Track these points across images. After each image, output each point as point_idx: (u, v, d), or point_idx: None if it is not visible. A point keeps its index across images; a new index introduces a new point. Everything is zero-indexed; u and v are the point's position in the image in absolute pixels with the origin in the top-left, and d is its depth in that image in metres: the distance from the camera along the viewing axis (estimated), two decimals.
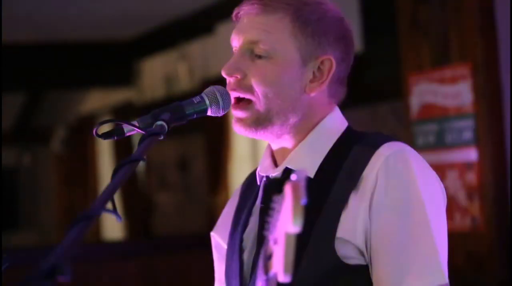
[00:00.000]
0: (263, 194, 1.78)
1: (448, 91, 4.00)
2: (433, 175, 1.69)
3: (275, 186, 1.73)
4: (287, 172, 1.72)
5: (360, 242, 1.61)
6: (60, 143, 10.88)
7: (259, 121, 1.70)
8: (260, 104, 1.70)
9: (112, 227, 9.60)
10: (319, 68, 1.71)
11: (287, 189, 1.19)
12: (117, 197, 1.36)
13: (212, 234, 1.92)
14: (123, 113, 8.91)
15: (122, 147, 8.81)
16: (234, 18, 1.76)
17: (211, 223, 7.67)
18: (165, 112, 1.63)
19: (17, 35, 7.91)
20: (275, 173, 1.74)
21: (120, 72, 9.04)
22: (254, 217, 1.79)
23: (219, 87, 1.72)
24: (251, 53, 1.70)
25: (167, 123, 1.60)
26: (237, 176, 7.46)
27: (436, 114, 4.06)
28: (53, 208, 11.05)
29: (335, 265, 1.60)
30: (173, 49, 8.16)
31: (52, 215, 11.11)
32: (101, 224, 9.66)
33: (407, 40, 4.21)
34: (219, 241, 1.90)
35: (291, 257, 1.20)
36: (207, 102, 1.69)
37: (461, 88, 3.93)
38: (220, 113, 1.71)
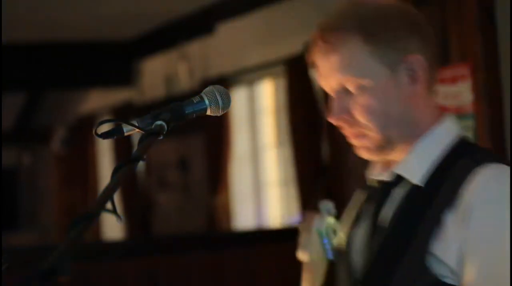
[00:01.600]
0: (373, 196, 1.79)
1: (448, 91, 4.00)
2: None
3: (383, 190, 1.75)
4: (397, 178, 1.73)
5: (453, 263, 1.60)
6: (60, 142, 10.88)
7: (382, 147, 1.71)
8: (375, 134, 1.70)
9: (112, 227, 9.60)
10: (411, 69, 1.69)
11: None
12: (117, 197, 1.36)
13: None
14: (123, 113, 8.92)
15: (122, 147, 8.81)
16: (311, 65, 1.76)
17: (211, 223, 7.66)
18: (164, 112, 1.63)
19: (17, 35, 7.91)
20: (385, 177, 1.75)
21: (120, 72, 9.04)
22: (364, 218, 1.80)
23: (219, 87, 1.72)
24: (345, 90, 1.70)
25: (167, 123, 1.60)
26: (237, 176, 7.46)
27: None
28: (53, 208, 11.05)
29: (429, 282, 1.61)
30: (173, 49, 8.16)
31: (52, 215, 11.11)
32: (101, 224, 9.66)
33: None
34: None
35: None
36: (207, 102, 1.69)
37: (461, 88, 3.93)
38: (220, 113, 1.72)
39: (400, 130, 1.70)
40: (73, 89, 10.21)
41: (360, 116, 1.69)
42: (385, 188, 1.74)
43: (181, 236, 7.08)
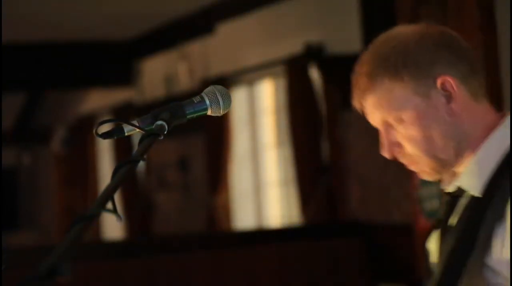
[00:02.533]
0: (444, 206, 1.82)
1: None
2: None
3: (451, 200, 1.79)
4: (460, 188, 1.77)
5: (505, 271, 1.63)
6: (60, 142, 10.88)
7: (438, 169, 1.76)
8: (426, 160, 1.74)
9: (112, 227, 9.60)
10: (443, 89, 1.73)
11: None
12: (117, 197, 1.36)
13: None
14: (123, 113, 8.91)
15: (122, 147, 8.81)
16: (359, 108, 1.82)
17: (211, 223, 7.65)
18: (165, 112, 1.62)
19: (17, 35, 7.91)
20: (450, 189, 1.79)
21: (120, 72, 9.04)
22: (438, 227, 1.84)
23: (219, 87, 1.72)
24: (389, 125, 1.76)
25: (167, 123, 1.60)
26: (237, 176, 7.46)
27: None
28: (53, 208, 11.04)
29: None
30: (173, 49, 8.16)
31: (52, 215, 11.11)
32: (101, 224, 9.66)
33: None
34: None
35: None
36: (207, 102, 1.68)
37: None
38: (220, 113, 1.71)
39: (449, 151, 1.74)
40: (73, 89, 10.21)
41: (406, 147, 1.75)
42: (453, 198, 1.78)
43: (181, 236, 7.07)
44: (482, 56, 3.86)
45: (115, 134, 1.61)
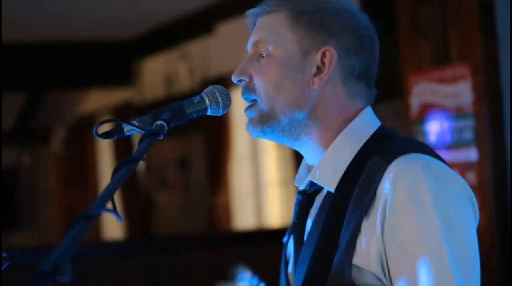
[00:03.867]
0: (296, 208, 1.75)
1: (448, 91, 4.00)
2: (451, 190, 1.56)
3: (306, 199, 1.72)
4: (314, 185, 1.70)
5: (375, 268, 1.55)
6: (60, 142, 10.88)
7: (264, 119, 1.69)
8: (263, 102, 1.69)
9: (112, 226, 9.61)
10: (322, 61, 1.67)
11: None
12: (117, 197, 1.36)
13: (283, 240, 1.89)
14: (123, 113, 8.92)
15: (122, 147, 8.81)
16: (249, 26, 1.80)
17: (211, 223, 7.66)
18: (165, 112, 1.62)
19: (17, 35, 7.91)
20: (303, 186, 1.73)
21: (120, 72, 9.04)
22: (291, 231, 1.78)
23: (219, 87, 1.72)
24: (258, 55, 1.71)
25: (167, 123, 1.60)
26: (237, 176, 7.46)
27: (436, 114, 4.06)
28: (53, 208, 11.05)
29: None
30: (173, 49, 8.16)
31: (52, 215, 11.12)
32: (101, 224, 9.67)
33: (407, 40, 4.21)
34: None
35: None
36: (207, 102, 1.69)
37: (461, 88, 3.93)
38: (220, 113, 1.72)
39: (287, 110, 1.66)
40: (73, 89, 10.21)
41: (256, 79, 1.69)
42: (308, 197, 1.70)
43: (181, 236, 7.07)
44: (482, 56, 3.86)
45: (115, 134, 1.61)
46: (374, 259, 1.55)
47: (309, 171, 1.73)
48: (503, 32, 3.87)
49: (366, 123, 1.68)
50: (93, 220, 1.25)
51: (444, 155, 4.01)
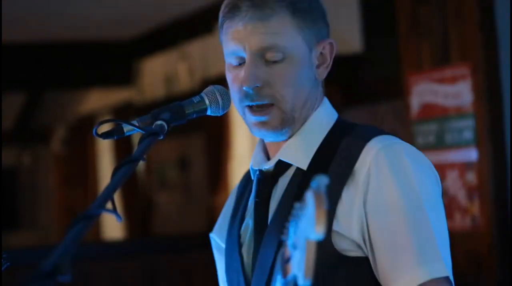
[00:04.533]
0: (256, 188, 1.76)
1: (448, 91, 4.00)
2: (427, 166, 1.69)
3: (269, 179, 1.74)
4: (280, 165, 1.73)
5: (356, 236, 1.62)
6: (60, 142, 10.88)
7: (285, 121, 1.71)
8: (284, 105, 1.70)
9: (112, 227, 9.60)
10: (321, 53, 1.74)
11: (309, 195, 1.19)
12: (117, 197, 1.36)
13: (211, 235, 1.92)
14: (123, 113, 8.91)
15: (122, 147, 8.81)
16: (224, 26, 1.78)
17: (211, 223, 7.65)
18: (165, 112, 1.63)
19: (17, 35, 7.91)
20: (268, 165, 1.74)
21: (120, 72, 9.04)
22: (250, 212, 1.78)
23: (219, 87, 1.72)
24: (263, 59, 1.69)
25: (167, 123, 1.60)
26: (237, 176, 7.46)
27: (436, 114, 4.06)
28: (53, 208, 11.05)
29: (334, 257, 1.61)
30: (173, 49, 8.16)
31: (52, 215, 11.11)
32: (101, 224, 9.66)
33: (407, 40, 4.21)
34: (218, 242, 1.90)
35: (312, 262, 1.20)
36: (207, 102, 1.69)
37: (461, 88, 3.93)
38: (220, 113, 1.72)
39: (302, 103, 1.72)
40: (73, 89, 10.20)
41: (275, 85, 1.68)
42: (272, 177, 1.73)
43: (181, 236, 7.07)
44: (482, 56, 3.86)
45: (115, 134, 1.61)
46: (355, 226, 1.62)
47: (267, 154, 1.78)
48: (503, 32, 3.87)
49: (330, 111, 1.77)
50: (93, 220, 1.26)
51: (444, 155, 4.01)
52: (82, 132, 10.08)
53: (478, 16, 3.86)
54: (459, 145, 3.94)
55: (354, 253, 1.63)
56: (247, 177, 1.87)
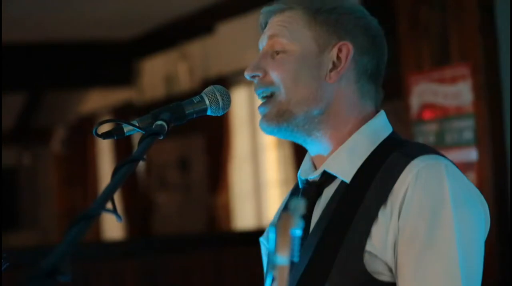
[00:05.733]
0: (302, 197, 1.74)
1: (448, 91, 4.00)
2: (471, 195, 1.62)
3: (314, 189, 1.72)
4: (326, 175, 1.70)
5: (389, 258, 1.57)
6: (60, 142, 10.88)
7: (280, 113, 1.70)
8: (280, 95, 1.70)
9: (112, 227, 9.61)
10: (338, 57, 1.70)
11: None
12: (117, 197, 1.36)
13: (261, 239, 1.89)
14: (123, 113, 8.92)
15: (122, 147, 8.81)
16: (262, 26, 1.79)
17: (211, 223, 7.65)
18: (165, 112, 1.62)
19: (17, 35, 7.91)
20: (314, 176, 1.72)
21: (120, 72, 9.04)
22: None
23: (219, 87, 1.72)
24: (272, 52, 1.72)
25: (167, 123, 1.60)
26: (237, 176, 7.46)
27: (436, 114, 4.06)
28: (53, 208, 11.05)
29: (365, 280, 1.57)
30: (173, 49, 8.16)
31: (52, 215, 11.11)
32: (101, 224, 9.66)
33: (407, 40, 4.21)
34: (268, 246, 1.89)
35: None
36: (207, 102, 1.69)
37: (461, 88, 3.93)
38: (220, 113, 1.72)
39: (301, 97, 1.69)
40: (73, 89, 10.21)
41: (272, 73, 1.69)
42: (316, 187, 1.72)
43: (181, 236, 7.08)
44: (482, 56, 3.86)
45: (115, 134, 1.61)
46: (390, 250, 1.57)
47: (313, 165, 1.76)
48: (503, 32, 3.87)
49: (383, 125, 1.73)
50: (93, 220, 1.25)
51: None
52: (82, 133, 10.08)
53: (478, 16, 3.86)
54: (459, 145, 3.94)
55: (386, 277, 1.58)
56: (296, 186, 1.85)
